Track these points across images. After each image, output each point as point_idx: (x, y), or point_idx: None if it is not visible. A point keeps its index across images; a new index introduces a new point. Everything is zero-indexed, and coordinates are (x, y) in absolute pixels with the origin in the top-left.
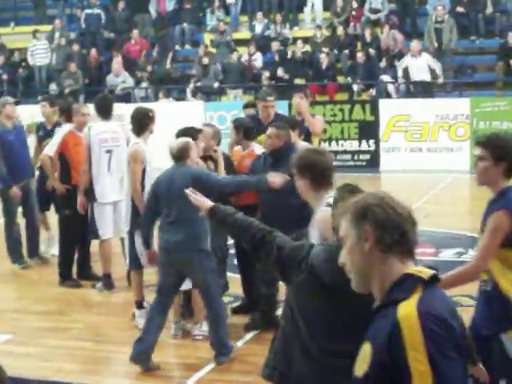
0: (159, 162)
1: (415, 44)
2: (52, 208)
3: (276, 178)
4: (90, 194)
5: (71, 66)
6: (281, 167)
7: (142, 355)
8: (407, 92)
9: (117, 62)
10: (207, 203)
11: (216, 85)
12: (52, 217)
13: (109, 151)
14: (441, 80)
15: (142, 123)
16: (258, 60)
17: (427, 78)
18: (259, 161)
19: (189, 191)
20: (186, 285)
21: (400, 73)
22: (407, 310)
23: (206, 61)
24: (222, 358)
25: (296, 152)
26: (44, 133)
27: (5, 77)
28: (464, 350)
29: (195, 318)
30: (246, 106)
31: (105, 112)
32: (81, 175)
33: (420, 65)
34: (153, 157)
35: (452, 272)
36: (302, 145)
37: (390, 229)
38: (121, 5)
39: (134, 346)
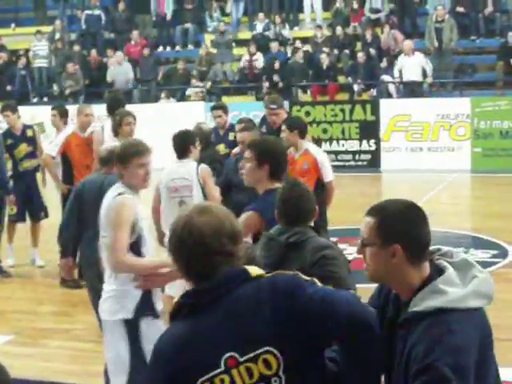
0: (163, 163)
1: (407, 43)
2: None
3: None
4: None
5: (70, 66)
6: None
7: None
8: (404, 92)
9: (117, 56)
10: None
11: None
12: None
13: None
14: (430, 80)
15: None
16: (259, 60)
17: (419, 77)
18: (231, 160)
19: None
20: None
21: (396, 73)
22: None
23: (205, 62)
24: None
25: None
26: (14, 140)
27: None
28: None
29: None
30: (213, 108)
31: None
32: (83, 175)
33: (412, 64)
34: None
35: None
36: (308, 145)
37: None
38: (121, 6)
39: None
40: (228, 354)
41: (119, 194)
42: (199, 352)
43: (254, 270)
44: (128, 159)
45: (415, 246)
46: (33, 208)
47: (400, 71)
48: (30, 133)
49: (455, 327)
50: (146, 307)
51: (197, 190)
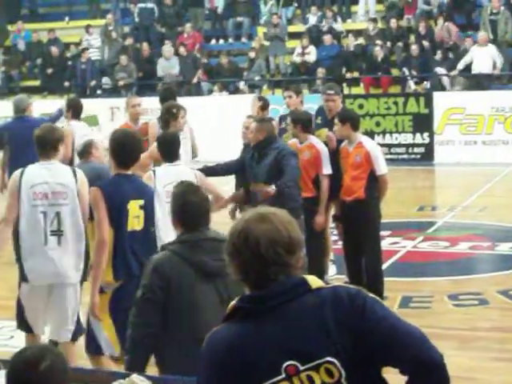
0: (216, 156)
1: (482, 34)
2: None
3: None
4: None
5: (123, 58)
6: (263, 160)
7: None
8: (467, 84)
9: (168, 48)
10: None
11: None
12: None
13: None
14: (496, 72)
15: None
16: (312, 53)
17: (489, 69)
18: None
19: None
20: None
21: (461, 65)
22: None
23: (252, 55)
24: None
25: (279, 145)
26: None
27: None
28: None
29: None
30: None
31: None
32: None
33: (484, 56)
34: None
35: None
36: (362, 138)
37: None
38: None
39: None
40: (288, 362)
41: None
42: (256, 358)
43: (315, 281)
44: None
45: None
46: None
47: (468, 63)
48: None
49: None
50: None
51: None
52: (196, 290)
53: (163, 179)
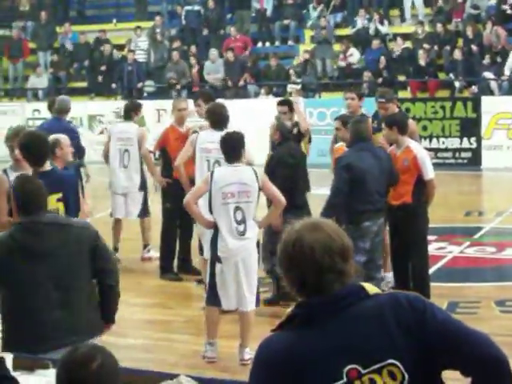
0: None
1: None
2: None
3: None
4: None
5: (174, 54)
6: None
7: None
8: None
9: (213, 51)
10: None
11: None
12: None
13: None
14: None
15: None
16: (355, 55)
17: None
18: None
19: None
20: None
21: (507, 71)
22: None
23: (306, 56)
24: None
25: None
26: None
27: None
28: None
29: (243, 342)
30: (279, 104)
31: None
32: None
33: None
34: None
35: None
36: (409, 142)
37: None
38: (216, 2)
39: None
40: (350, 366)
41: None
42: (316, 363)
43: (371, 288)
44: None
45: None
46: None
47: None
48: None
49: None
50: None
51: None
52: (23, 269)
53: (219, 181)
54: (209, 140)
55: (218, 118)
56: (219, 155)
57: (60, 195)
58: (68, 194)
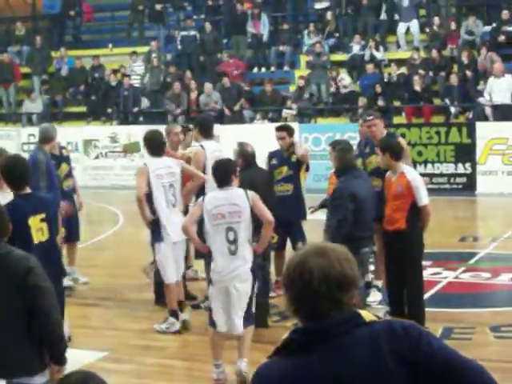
0: None
1: (498, 65)
2: None
3: None
4: None
5: (176, 85)
6: None
7: None
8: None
9: (208, 85)
10: None
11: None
12: None
13: None
14: None
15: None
16: (345, 80)
17: (508, 100)
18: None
19: None
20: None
21: (487, 96)
22: None
23: (301, 83)
24: None
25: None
26: (56, 160)
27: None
28: None
29: (239, 354)
30: (277, 129)
31: (208, 132)
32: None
33: (502, 87)
34: None
35: None
36: (404, 168)
37: None
38: (212, 26)
39: None
40: None
41: None
42: None
43: (367, 315)
44: None
45: None
46: (72, 229)
47: (489, 94)
48: (65, 152)
49: None
50: None
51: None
52: None
53: (210, 204)
54: (159, 166)
55: (157, 145)
56: (171, 178)
57: (43, 215)
58: (50, 214)
